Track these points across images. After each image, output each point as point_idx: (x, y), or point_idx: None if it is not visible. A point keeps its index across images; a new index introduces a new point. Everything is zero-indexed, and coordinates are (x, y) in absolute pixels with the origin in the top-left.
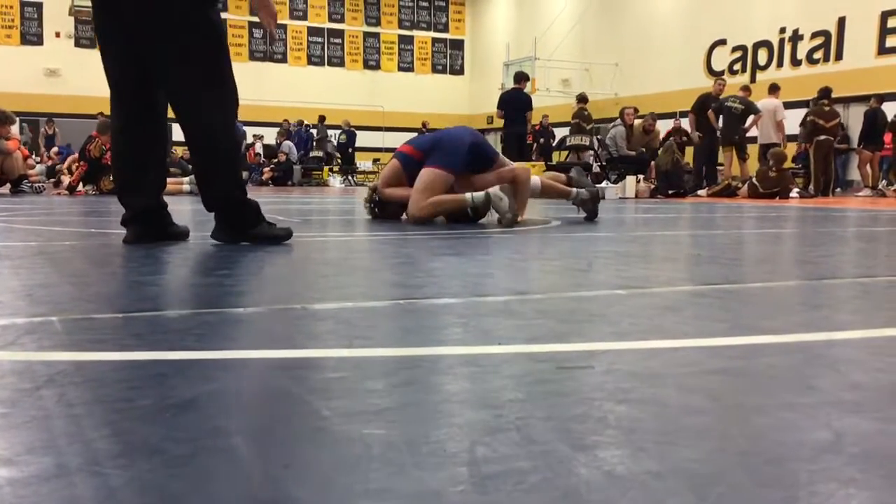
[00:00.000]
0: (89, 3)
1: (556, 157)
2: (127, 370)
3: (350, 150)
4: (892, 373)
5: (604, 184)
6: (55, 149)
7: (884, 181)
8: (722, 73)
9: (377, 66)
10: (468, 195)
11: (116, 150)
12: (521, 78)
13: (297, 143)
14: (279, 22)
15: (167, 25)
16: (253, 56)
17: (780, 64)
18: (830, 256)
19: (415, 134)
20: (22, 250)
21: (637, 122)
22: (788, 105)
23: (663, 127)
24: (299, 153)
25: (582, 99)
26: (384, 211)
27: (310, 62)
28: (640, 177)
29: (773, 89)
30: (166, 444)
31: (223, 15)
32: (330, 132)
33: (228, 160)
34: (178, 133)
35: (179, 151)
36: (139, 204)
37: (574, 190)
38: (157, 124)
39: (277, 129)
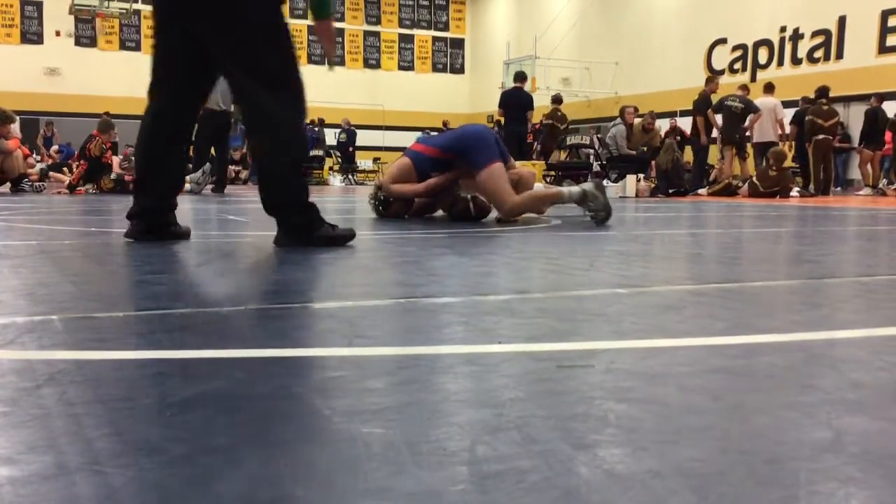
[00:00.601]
0: (90, 3)
1: (556, 156)
2: (127, 369)
3: (350, 148)
4: (892, 372)
5: (604, 183)
6: (55, 147)
7: (884, 180)
8: (722, 72)
9: (377, 65)
10: (565, 190)
11: (140, 143)
12: (521, 77)
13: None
14: None
15: (224, 18)
16: None
17: (780, 63)
18: (831, 255)
19: (418, 134)
20: (22, 249)
21: (636, 120)
22: (791, 105)
23: (662, 126)
24: None
25: (556, 100)
26: (389, 209)
27: (310, 61)
28: (641, 176)
29: (769, 88)
30: (166, 443)
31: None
32: (328, 131)
33: (294, 163)
34: None
35: None
36: (146, 202)
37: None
38: (185, 127)
39: None
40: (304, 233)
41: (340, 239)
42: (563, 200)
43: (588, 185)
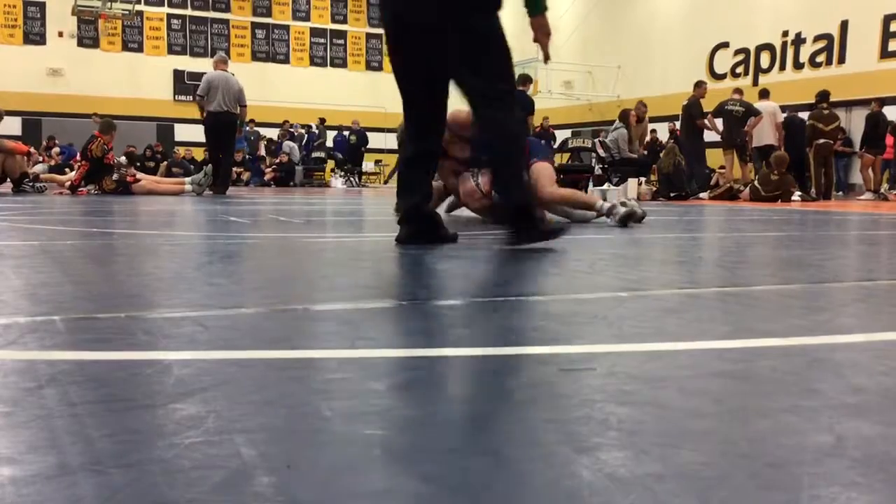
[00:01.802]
0: (92, 4)
1: (558, 159)
2: (128, 369)
3: (362, 148)
4: (894, 377)
5: (605, 186)
6: (56, 149)
7: (885, 185)
8: (724, 75)
9: (379, 67)
10: (598, 201)
11: (404, 157)
12: (524, 80)
13: (305, 143)
14: (282, 22)
15: (465, 27)
16: (256, 56)
17: (782, 67)
18: (832, 259)
19: None
20: (24, 249)
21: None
22: (794, 109)
23: (662, 130)
24: (302, 154)
25: None
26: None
27: (312, 63)
28: (642, 179)
29: (765, 94)
30: (167, 443)
31: (228, 15)
32: (329, 133)
33: (516, 164)
34: (180, 133)
35: (182, 151)
36: (410, 202)
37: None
38: (436, 131)
39: (279, 130)
40: (425, 234)
41: (444, 238)
42: (594, 208)
43: (616, 202)
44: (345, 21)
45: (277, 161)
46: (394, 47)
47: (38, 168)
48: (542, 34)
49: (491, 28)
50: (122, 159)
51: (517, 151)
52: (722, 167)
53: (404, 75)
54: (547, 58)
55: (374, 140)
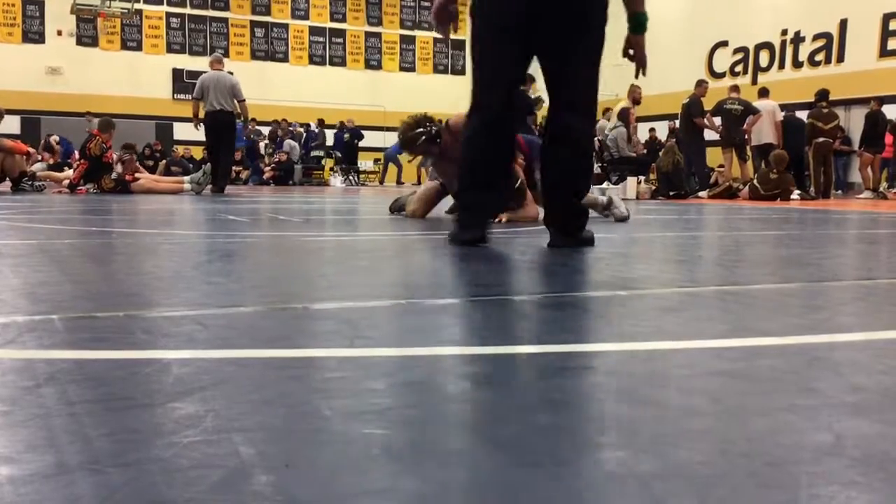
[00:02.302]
0: (91, 3)
1: None
2: (127, 368)
3: (356, 141)
4: (893, 375)
5: (605, 185)
6: (55, 137)
7: (885, 184)
8: (723, 74)
9: (379, 66)
10: (596, 196)
11: (485, 120)
12: (527, 80)
13: (304, 142)
14: (281, 21)
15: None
16: (255, 55)
17: (781, 66)
18: (831, 258)
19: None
20: (22, 248)
21: (622, 105)
22: (793, 107)
23: (661, 128)
24: (301, 152)
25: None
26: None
27: (311, 62)
28: (641, 178)
29: (764, 93)
30: (166, 442)
31: (227, 14)
32: (328, 132)
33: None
34: (179, 132)
35: (180, 150)
36: (494, 197)
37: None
38: (512, 129)
39: (278, 128)
40: (580, 234)
41: (590, 241)
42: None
43: (613, 196)
44: (344, 20)
45: (276, 160)
46: (504, 27)
47: (37, 167)
48: (641, 51)
49: (600, 38)
50: (124, 153)
51: (585, 159)
52: (721, 166)
53: (506, 54)
54: (643, 72)
55: (374, 139)
